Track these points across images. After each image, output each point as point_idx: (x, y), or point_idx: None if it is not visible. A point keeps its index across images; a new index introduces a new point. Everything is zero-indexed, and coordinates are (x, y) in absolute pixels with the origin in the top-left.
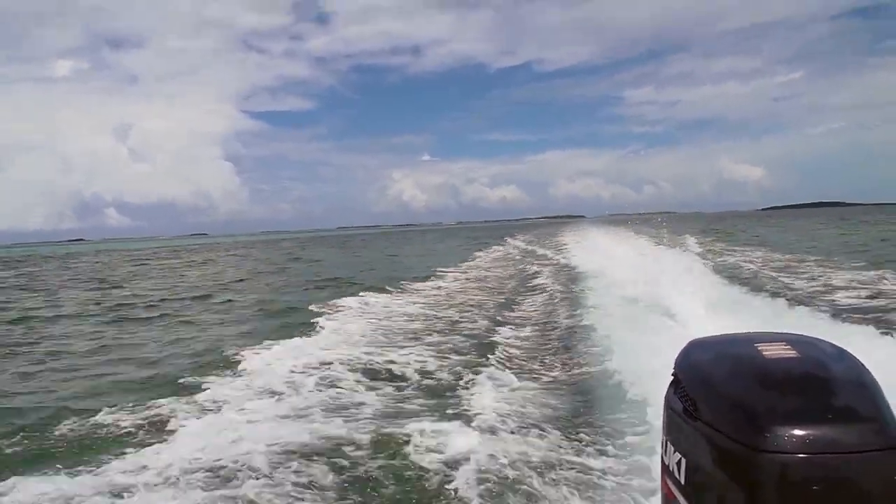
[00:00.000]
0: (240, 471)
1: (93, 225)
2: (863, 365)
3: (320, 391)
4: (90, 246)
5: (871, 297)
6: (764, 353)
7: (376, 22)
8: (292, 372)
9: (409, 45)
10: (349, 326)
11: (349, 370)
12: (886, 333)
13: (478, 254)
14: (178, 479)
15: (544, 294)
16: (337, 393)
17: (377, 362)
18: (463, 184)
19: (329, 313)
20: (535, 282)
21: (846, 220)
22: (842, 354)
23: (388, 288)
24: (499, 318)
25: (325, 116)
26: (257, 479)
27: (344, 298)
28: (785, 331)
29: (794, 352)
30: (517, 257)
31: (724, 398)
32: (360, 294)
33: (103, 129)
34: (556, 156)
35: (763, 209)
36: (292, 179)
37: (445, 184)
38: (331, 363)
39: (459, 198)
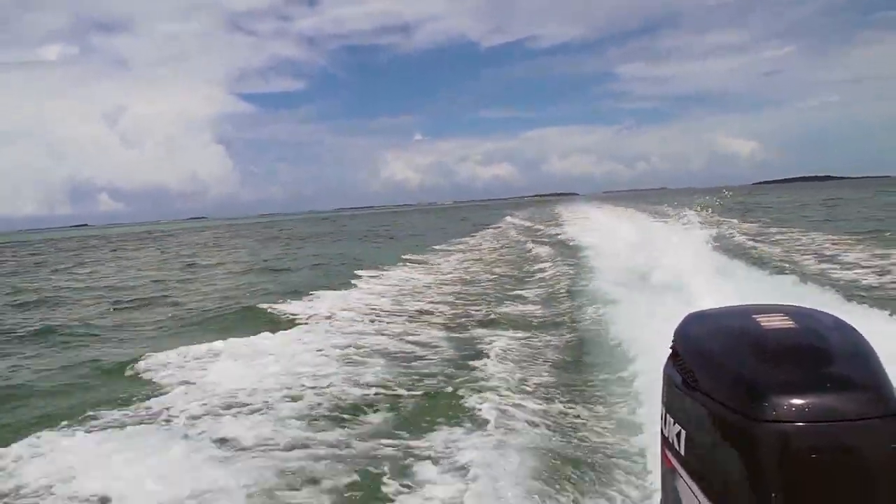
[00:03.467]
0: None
1: (85, 211)
2: (860, 334)
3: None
4: (97, 230)
5: (875, 273)
6: (762, 324)
7: (366, 0)
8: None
9: (399, 24)
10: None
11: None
12: (883, 306)
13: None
14: None
15: (546, 268)
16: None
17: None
18: (455, 162)
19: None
20: (537, 256)
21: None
22: (839, 324)
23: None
24: (501, 292)
25: (317, 98)
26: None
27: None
28: (783, 302)
29: (792, 322)
30: (515, 235)
31: (722, 369)
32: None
33: (94, 114)
34: (548, 133)
35: (754, 184)
36: (285, 161)
37: (438, 163)
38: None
39: (452, 177)
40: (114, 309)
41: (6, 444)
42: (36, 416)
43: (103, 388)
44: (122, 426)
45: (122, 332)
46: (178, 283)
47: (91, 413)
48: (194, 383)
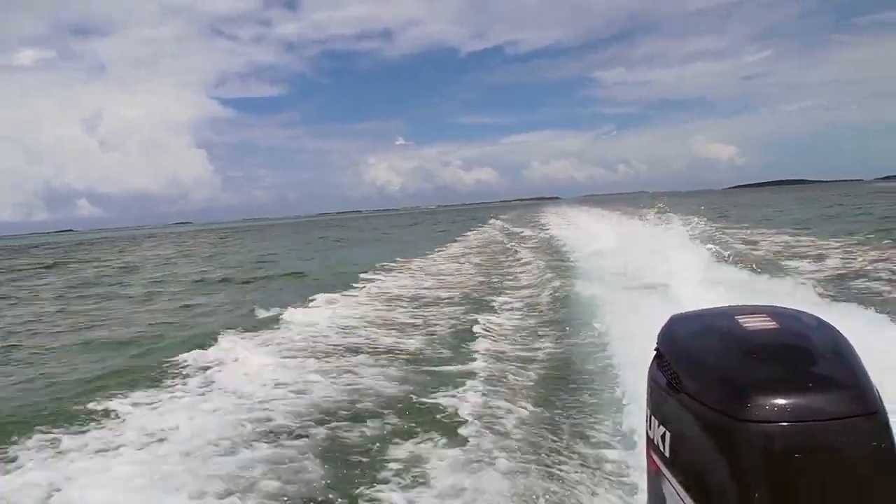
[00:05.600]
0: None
1: (65, 216)
2: (841, 334)
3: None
4: (82, 236)
5: (849, 268)
6: (745, 324)
7: (346, 5)
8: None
9: (379, 29)
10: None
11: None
12: (862, 304)
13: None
14: None
15: (530, 271)
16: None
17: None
18: (438, 167)
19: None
20: (521, 258)
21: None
22: (821, 324)
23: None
24: (486, 295)
25: (298, 102)
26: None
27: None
28: (765, 303)
29: (774, 323)
30: (500, 238)
31: (706, 370)
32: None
33: (72, 118)
34: (530, 138)
35: (730, 187)
36: (267, 166)
37: (421, 168)
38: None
39: (436, 181)
40: None
41: None
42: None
43: None
44: None
45: None
46: None
47: None
48: None
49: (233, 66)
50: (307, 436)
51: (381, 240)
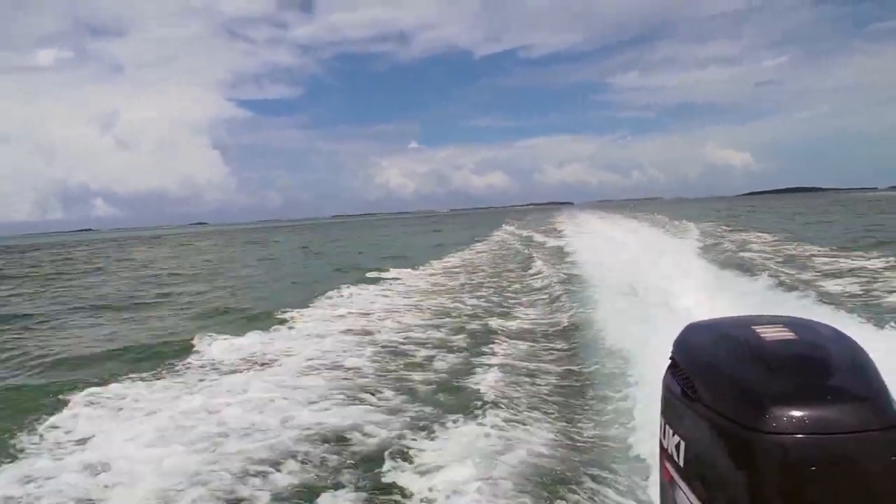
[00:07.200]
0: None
1: (82, 216)
2: (860, 346)
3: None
4: (101, 235)
5: (865, 282)
6: (762, 335)
7: (361, 8)
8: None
9: (394, 32)
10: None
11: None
12: (876, 319)
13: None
14: None
15: (542, 279)
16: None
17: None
18: (451, 171)
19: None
20: (532, 266)
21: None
22: (839, 336)
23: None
24: (498, 303)
25: (312, 105)
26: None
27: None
28: (782, 314)
29: (791, 334)
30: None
31: (723, 380)
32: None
33: (89, 119)
34: (543, 142)
35: (744, 194)
36: (281, 168)
37: (434, 171)
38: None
39: (448, 185)
40: None
41: None
42: None
43: None
44: None
45: None
46: None
47: None
48: None
49: (249, 68)
50: None
51: (443, 231)
